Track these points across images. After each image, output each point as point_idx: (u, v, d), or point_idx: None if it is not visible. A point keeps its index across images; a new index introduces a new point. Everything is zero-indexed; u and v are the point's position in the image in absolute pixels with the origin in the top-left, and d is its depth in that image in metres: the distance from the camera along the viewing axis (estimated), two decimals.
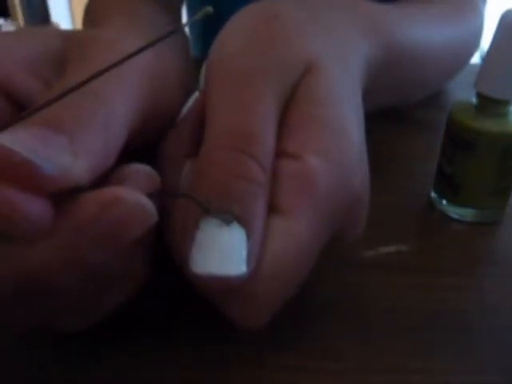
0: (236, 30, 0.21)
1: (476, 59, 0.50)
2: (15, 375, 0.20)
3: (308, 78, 0.20)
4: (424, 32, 0.36)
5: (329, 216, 0.18)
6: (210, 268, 0.17)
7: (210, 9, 0.15)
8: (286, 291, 0.18)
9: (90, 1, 0.39)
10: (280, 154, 0.19)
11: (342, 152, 0.19)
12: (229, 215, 0.17)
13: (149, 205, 0.16)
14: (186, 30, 0.67)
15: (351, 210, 0.20)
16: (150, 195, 0.17)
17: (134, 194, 0.15)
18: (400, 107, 0.42)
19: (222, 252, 0.17)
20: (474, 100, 0.29)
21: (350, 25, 0.26)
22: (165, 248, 0.20)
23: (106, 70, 0.15)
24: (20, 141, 0.14)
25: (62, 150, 0.15)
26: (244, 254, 0.17)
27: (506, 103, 0.28)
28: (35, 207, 0.14)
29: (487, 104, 0.28)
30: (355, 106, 0.21)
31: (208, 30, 0.63)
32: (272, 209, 0.18)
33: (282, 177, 0.18)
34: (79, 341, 0.21)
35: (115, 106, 0.18)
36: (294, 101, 0.20)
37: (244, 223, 0.17)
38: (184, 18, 0.66)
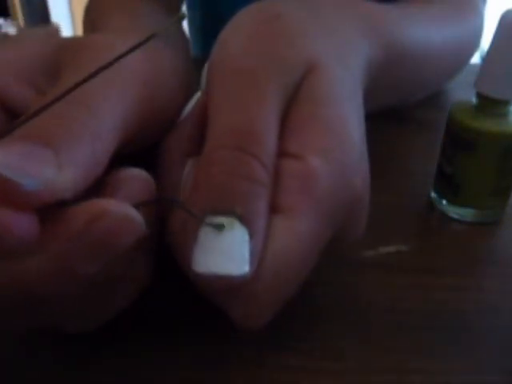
0: (237, 30, 0.21)
1: (476, 59, 0.50)
2: (15, 375, 0.20)
3: (310, 78, 0.20)
4: (424, 32, 0.36)
5: (330, 216, 0.18)
6: (212, 268, 0.17)
7: (184, 13, 0.15)
8: (287, 291, 0.18)
9: (90, 1, 0.39)
10: (282, 153, 0.19)
11: (344, 152, 0.19)
12: (222, 221, 0.17)
13: (137, 216, 0.16)
14: (186, 30, 0.67)
15: (352, 209, 0.20)
16: (144, 202, 0.17)
17: (122, 206, 0.16)
18: (400, 107, 0.43)
19: (225, 252, 0.17)
20: (474, 100, 0.29)
21: (350, 25, 0.26)
22: (165, 248, 0.20)
23: (92, 76, 0.15)
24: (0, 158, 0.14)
25: (46, 164, 0.15)
26: (246, 253, 0.17)
27: (506, 103, 0.28)
28: (20, 223, 0.14)
29: (487, 104, 0.28)
30: (356, 106, 0.21)
31: (208, 29, 0.63)
32: (273, 208, 0.18)
33: (284, 177, 0.18)
34: (79, 341, 0.21)
35: (104, 115, 0.18)
36: (295, 101, 0.20)
37: (246, 223, 0.17)
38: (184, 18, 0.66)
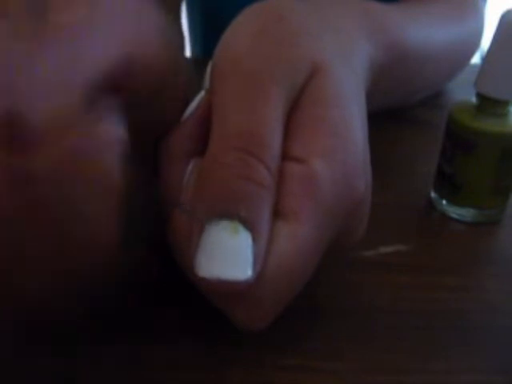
0: (242, 29, 0.21)
1: (476, 59, 0.50)
2: (15, 375, 0.20)
3: (314, 80, 0.20)
4: (425, 32, 0.36)
5: (332, 218, 0.18)
6: (215, 272, 0.17)
7: None
8: (290, 293, 0.18)
9: None
10: (285, 156, 0.19)
11: (347, 154, 0.19)
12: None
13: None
14: (186, 30, 0.67)
15: (354, 211, 0.20)
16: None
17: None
18: (400, 107, 0.42)
19: (228, 256, 0.17)
20: (474, 100, 0.29)
21: (352, 25, 0.26)
22: (166, 248, 0.20)
23: None
24: None
25: None
26: (250, 257, 0.17)
27: (506, 103, 0.28)
28: None
29: (487, 104, 0.28)
30: (360, 107, 0.21)
31: (209, 29, 0.63)
32: (276, 212, 0.18)
33: (287, 180, 0.18)
34: (79, 341, 0.21)
35: None
36: (300, 102, 0.20)
37: (250, 227, 0.17)
38: (184, 18, 0.66)
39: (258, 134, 0.18)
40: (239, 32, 0.21)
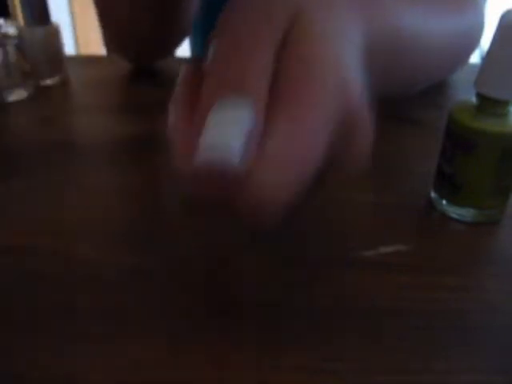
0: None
1: (476, 59, 0.50)
2: (15, 375, 0.20)
3: (298, 23, 0.21)
4: (424, 21, 0.37)
5: (331, 112, 0.19)
6: (217, 137, 0.18)
7: None
8: (291, 183, 0.18)
9: None
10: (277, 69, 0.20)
11: (341, 73, 0.20)
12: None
13: None
14: None
15: (350, 124, 0.20)
16: None
17: None
18: (400, 98, 0.42)
19: (228, 125, 0.18)
20: (474, 100, 0.29)
21: (350, 15, 0.26)
22: (166, 248, 0.20)
23: None
24: None
25: None
26: (246, 128, 0.18)
27: (506, 103, 0.28)
28: None
29: (487, 104, 0.28)
30: (352, 44, 0.22)
31: (209, 29, 0.63)
32: (275, 100, 0.19)
33: (286, 72, 0.19)
34: (79, 341, 0.21)
35: None
36: (286, 45, 0.20)
37: (249, 103, 0.18)
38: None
39: (246, 72, 0.19)
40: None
